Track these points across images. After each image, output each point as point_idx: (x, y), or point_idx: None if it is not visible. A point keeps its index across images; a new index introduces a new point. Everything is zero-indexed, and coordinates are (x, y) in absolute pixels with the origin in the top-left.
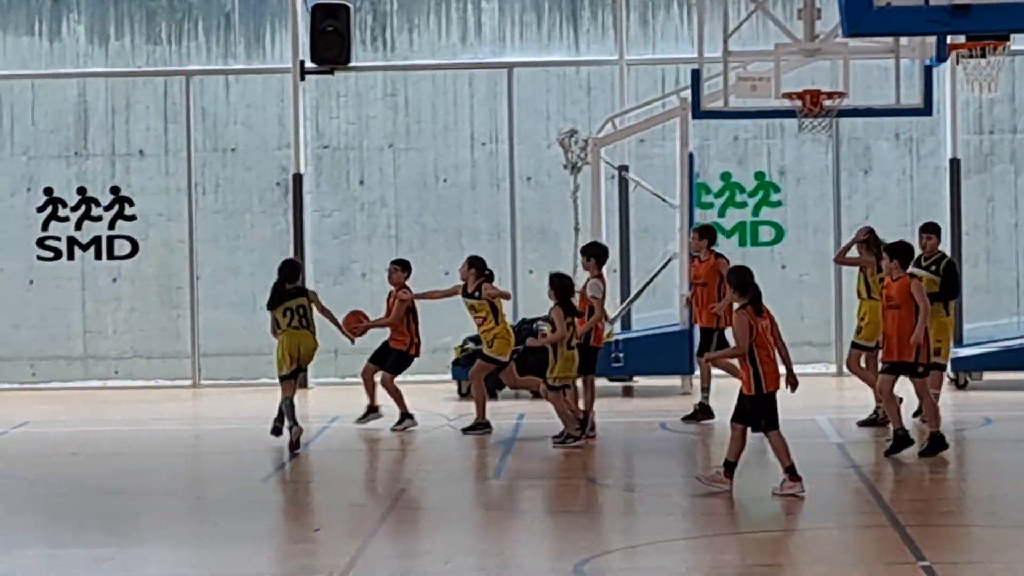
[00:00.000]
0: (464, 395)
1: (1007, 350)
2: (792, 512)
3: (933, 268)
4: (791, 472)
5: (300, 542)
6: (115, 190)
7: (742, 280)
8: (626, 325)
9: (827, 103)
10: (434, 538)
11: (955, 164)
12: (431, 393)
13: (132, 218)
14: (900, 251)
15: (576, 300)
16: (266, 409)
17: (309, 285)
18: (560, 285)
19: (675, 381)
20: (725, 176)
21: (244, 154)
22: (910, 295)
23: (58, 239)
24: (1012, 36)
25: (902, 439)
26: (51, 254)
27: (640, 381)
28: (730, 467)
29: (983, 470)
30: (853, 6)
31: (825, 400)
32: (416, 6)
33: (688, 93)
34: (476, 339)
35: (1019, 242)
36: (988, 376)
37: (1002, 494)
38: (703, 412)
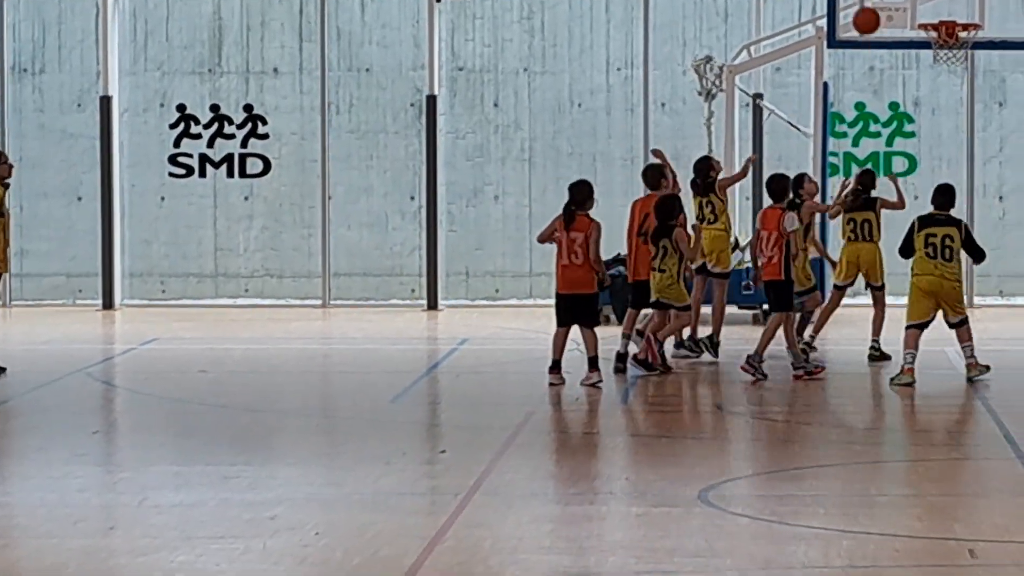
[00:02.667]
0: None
1: None
2: (919, 443)
3: None
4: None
5: (427, 463)
6: (248, 108)
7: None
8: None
9: (962, 35)
10: (559, 462)
11: None
12: None
13: (265, 136)
14: None
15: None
16: (395, 329)
17: (441, 207)
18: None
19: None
20: (859, 106)
21: (378, 74)
22: None
23: (190, 156)
24: None
25: None
26: (183, 171)
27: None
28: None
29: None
30: None
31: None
32: None
33: (824, 22)
34: None
35: None
36: None
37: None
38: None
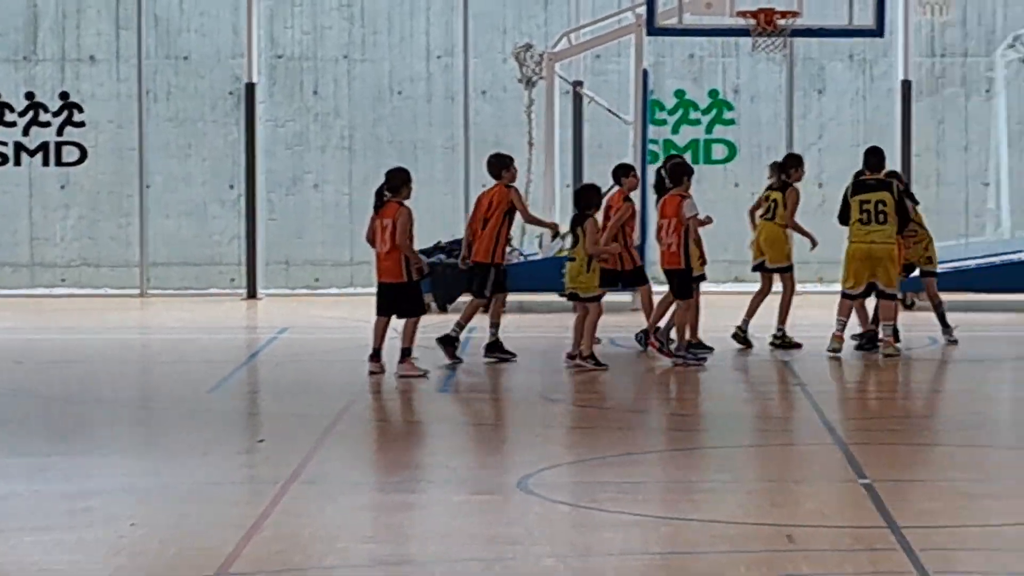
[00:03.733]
0: None
1: (955, 271)
2: (740, 430)
3: None
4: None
5: (245, 452)
6: (64, 96)
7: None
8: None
9: (781, 22)
10: (379, 450)
11: (907, 86)
12: None
13: (81, 124)
14: None
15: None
16: (213, 319)
17: (260, 195)
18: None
19: (626, 297)
20: (679, 93)
21: (197, 62)
22: None
23: (5, 144)
24: None
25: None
26: None
27: None
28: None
29: (927, 390)
30: None
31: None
32: None
33: (643, 9)
34: None
35: (968, 165)
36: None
37: (945, 414)
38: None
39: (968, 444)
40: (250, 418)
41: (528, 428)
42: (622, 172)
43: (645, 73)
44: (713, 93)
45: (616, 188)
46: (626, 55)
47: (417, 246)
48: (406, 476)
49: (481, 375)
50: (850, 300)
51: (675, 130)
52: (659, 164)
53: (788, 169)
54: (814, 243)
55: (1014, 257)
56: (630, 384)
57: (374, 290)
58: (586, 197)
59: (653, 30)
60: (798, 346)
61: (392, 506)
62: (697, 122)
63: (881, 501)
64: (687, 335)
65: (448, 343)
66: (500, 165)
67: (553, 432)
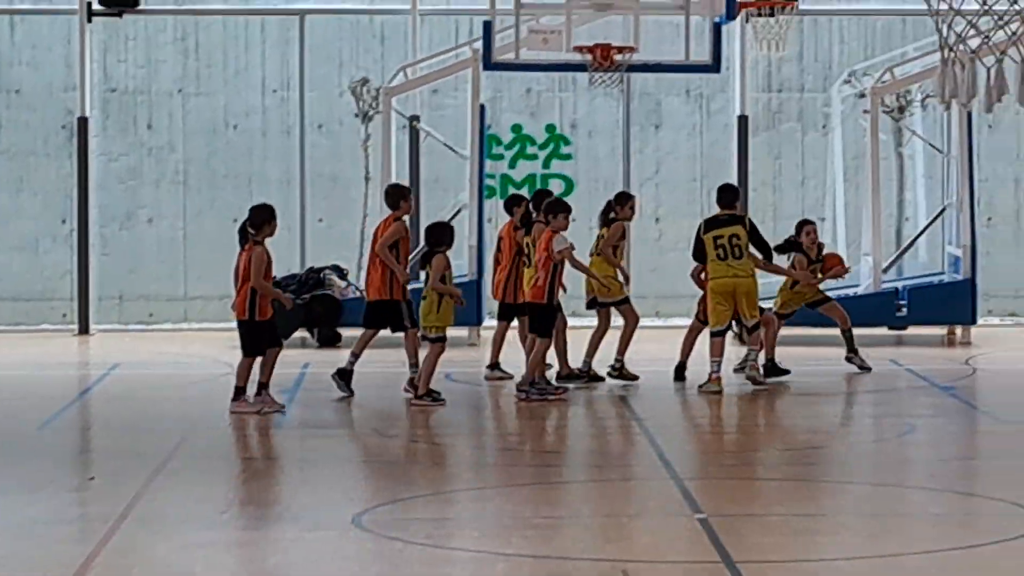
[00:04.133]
0: None
1: None
2: (574, 464)
3: None
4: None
5: (76, 490)
6: None
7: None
8: (417, 276)
9: (617, 57)
10: (212, 486)
11: (743, 121)
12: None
13: None
14: None
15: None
16: (44, 355)
17: (93, 230)
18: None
19: (462, 332)
20: (516, 128)
21: (29, 95)
22: None
23: None
24: None
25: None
26: None
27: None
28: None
29: (762, 425)
30: None
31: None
32: None
33: (480, 44)
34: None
35: (805, 199)
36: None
37: (780, 448)
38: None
39: (802, 478)
40: (81, 455)
41: (364, 464)
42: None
43: (482, 108)
44: (550, 128)
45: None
46: (463, 90)
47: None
48: (239, 513)
49: (317, 410)
50: (720, 338)
51: (512, 165)
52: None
53: (616, 205)
54: (627, 278)
55: (849, 291)
56: (467, 419)
57: (208, 325)
58: (437, 234)
59: (490, 65)
60: (635, 378)
61: (225, 543)
62: (534, 157)
63: (716, 536)
64: (558, 367)
65: (344, 376)
66: (398, 195)
67: (389, 468)
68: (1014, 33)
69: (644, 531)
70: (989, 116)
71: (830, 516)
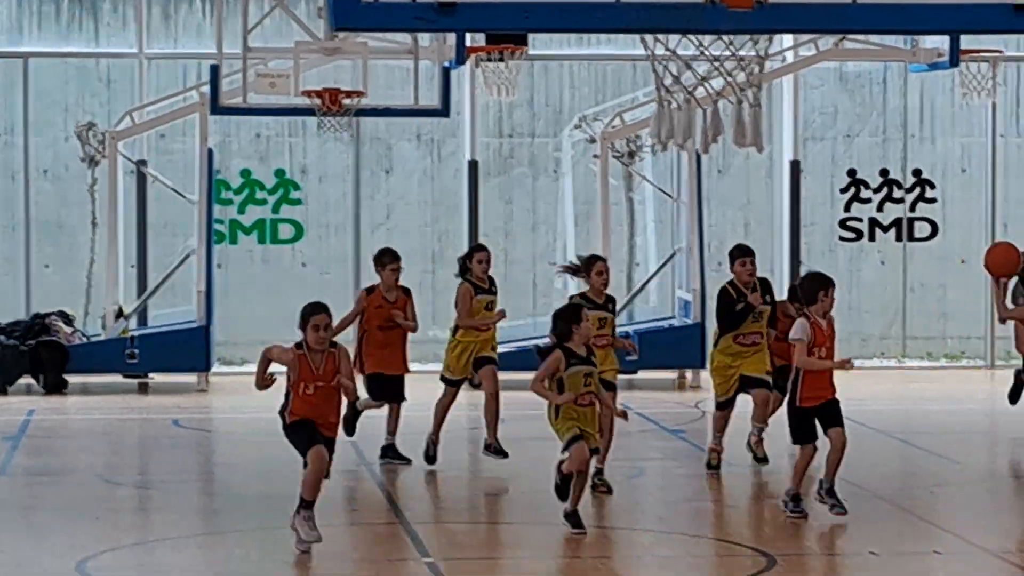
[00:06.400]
0: None
1: (522, 350)
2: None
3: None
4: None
5: None
6: None
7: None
8: (143, 321)
9: (346, 102)
10: None
11: (474, 166)
12: None
13: None
14: None
15: None
16: None
17: None
18: None
19: (191, 378)
20: (245, 173)
21: None
22: None
23: None
24: (531, 41)
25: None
26: None
27: (156, 378)
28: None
29: (489, 470)
30: (340, 1)
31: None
32: None
33: (208, 88)
34: None
35: (536, 244)
36: (504, 376)
37: (512, 493)
38: None
39: (532, 523)
40: None
41: (88, 510)
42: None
43: (210, 152)
44: (279, 172)
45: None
46: (191, 134)
47: None
48: None
49: (42, 456)
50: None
51: (241, 210)
52: None
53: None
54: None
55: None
56: (196, 465)
57: None
58: None
59: (217, 109)
60: None
61: None
62: (264, 202)
63: None
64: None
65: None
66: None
67: (114, 514)
68: (729, 73)
69: (373, 575)
70: (719, 162)
71: (556, 559)
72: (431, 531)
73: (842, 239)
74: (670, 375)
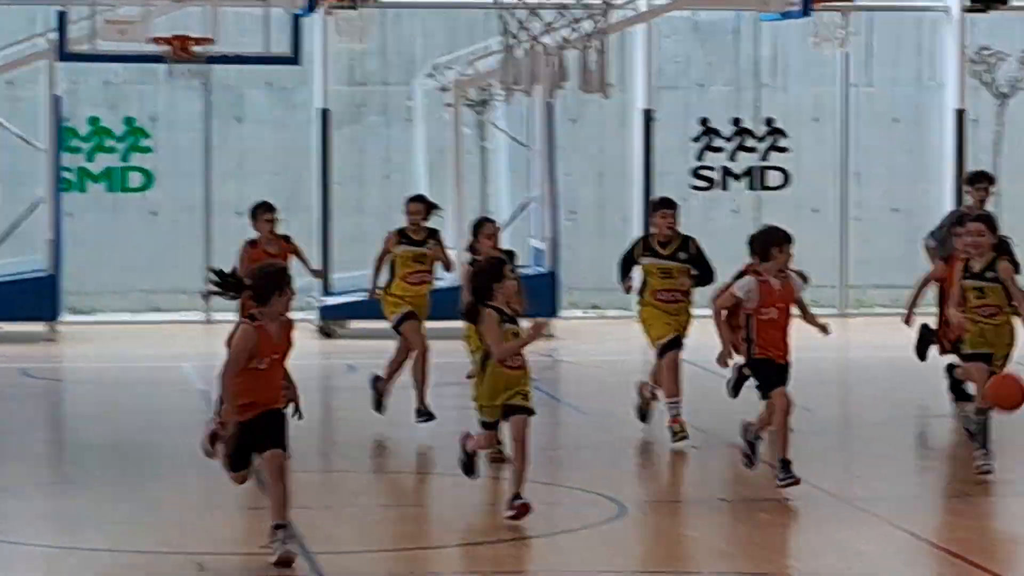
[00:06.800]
0: None
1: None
2: (156, 459)
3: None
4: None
5: None
6: None
7: None
8: None
9: (196, 49)
10: None
11: (325, 114)
12: None
13: None
14: None
15: None
16: None
17: None
18: None
19: (39, 327)
20: (94, 120)
21: None
22: None
23: None
24: None
25: None
26: None
27: (3, 327)
28: None
29: (347, 417)
30: None
31: (193, 347)
32: None
33: (56, 35)
34: None
35: (389, 193)
36: (354, 324)
37: (363, 440)
38: None
39: (378, 471)
40: None
41: None
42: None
43: (58, 100)
44: (129, 120)
45: None
46: (39, 81)
47: None
48: None
49: None
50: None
51: (90, 158)
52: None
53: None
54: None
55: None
56: (45, 417)
57: None
58: None
59: (65, 56)
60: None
61: None
62: (113, 150)
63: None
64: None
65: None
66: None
67: None
68: (575, 21)
69: (221, 524)
70: (573, 111)
71: (404, 507)
72: None
73: (695, 188)
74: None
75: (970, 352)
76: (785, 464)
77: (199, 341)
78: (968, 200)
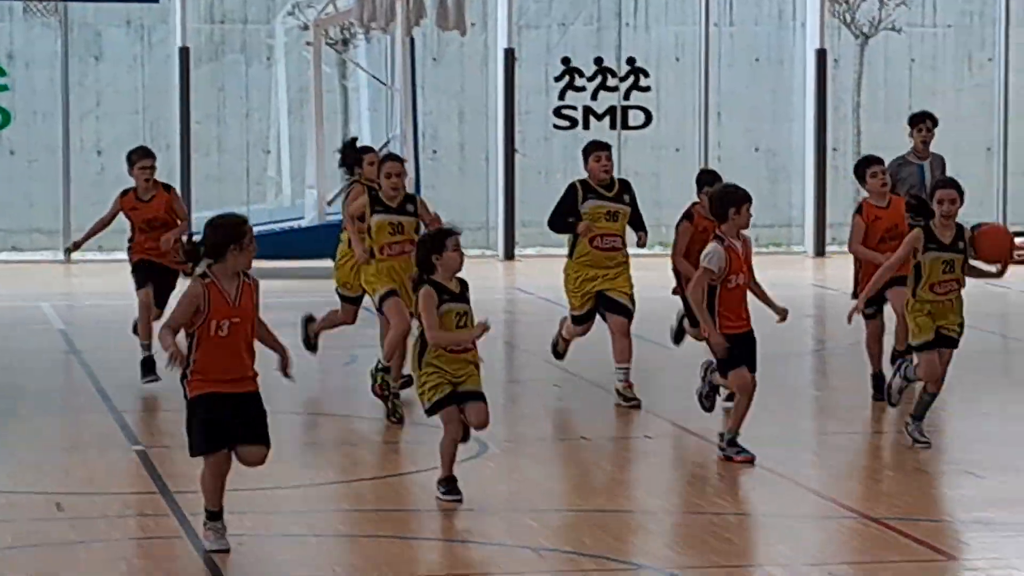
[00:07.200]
0: None
1: None
2: (7, 399)
3: None
4: None
5: None
6: None
7: None
8: None
9: None
10: None
11: (185, 52)
12: None
13: None
14: None
15: None
16: None
17: None
18: None
19: None
20: None
21: None
22: None
23: None
24: None
25: None
26: None
27: None
28: None
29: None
30: None
31: (52, 287)
32: None
33: None
34: None
35: (250, 132)
36: None
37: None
38: None
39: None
40: None
41: None
42: None
43: None
44: None
45: None
46: None
47: None
48: None
49: None
50: None
51: None
52: None
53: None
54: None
55: (294, 224)
56: None
57: None
58: None
59: None
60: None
61: None
62: None
63: (153, 467)
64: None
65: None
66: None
67: None
68: None
69: (79, 464)
70: (434, 49)
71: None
72: (137, 419)
73: (556, 127)
74: None
75: (920, 343)
76: (732, 440)
77: (58, 281)
78: (911, 142)
